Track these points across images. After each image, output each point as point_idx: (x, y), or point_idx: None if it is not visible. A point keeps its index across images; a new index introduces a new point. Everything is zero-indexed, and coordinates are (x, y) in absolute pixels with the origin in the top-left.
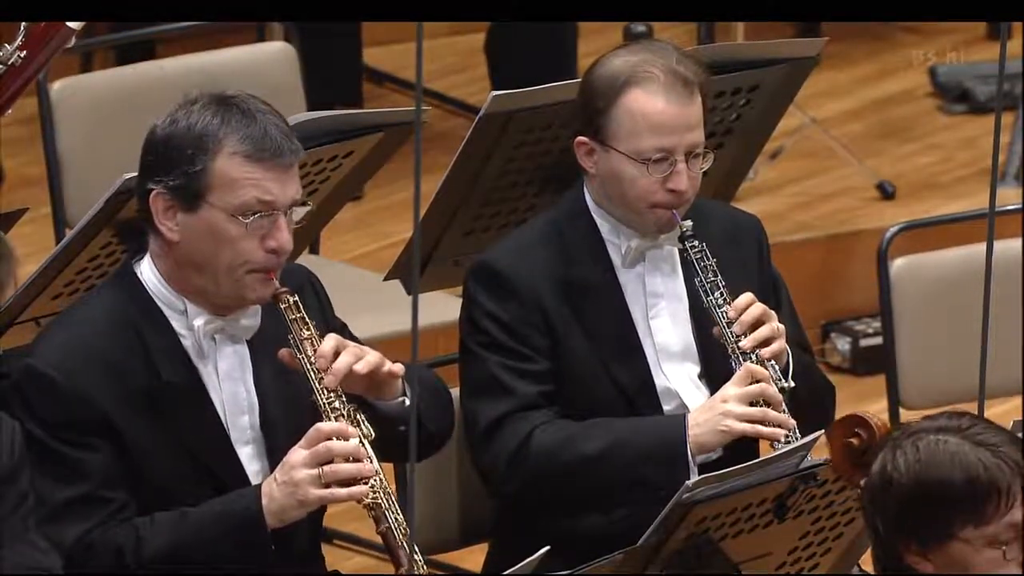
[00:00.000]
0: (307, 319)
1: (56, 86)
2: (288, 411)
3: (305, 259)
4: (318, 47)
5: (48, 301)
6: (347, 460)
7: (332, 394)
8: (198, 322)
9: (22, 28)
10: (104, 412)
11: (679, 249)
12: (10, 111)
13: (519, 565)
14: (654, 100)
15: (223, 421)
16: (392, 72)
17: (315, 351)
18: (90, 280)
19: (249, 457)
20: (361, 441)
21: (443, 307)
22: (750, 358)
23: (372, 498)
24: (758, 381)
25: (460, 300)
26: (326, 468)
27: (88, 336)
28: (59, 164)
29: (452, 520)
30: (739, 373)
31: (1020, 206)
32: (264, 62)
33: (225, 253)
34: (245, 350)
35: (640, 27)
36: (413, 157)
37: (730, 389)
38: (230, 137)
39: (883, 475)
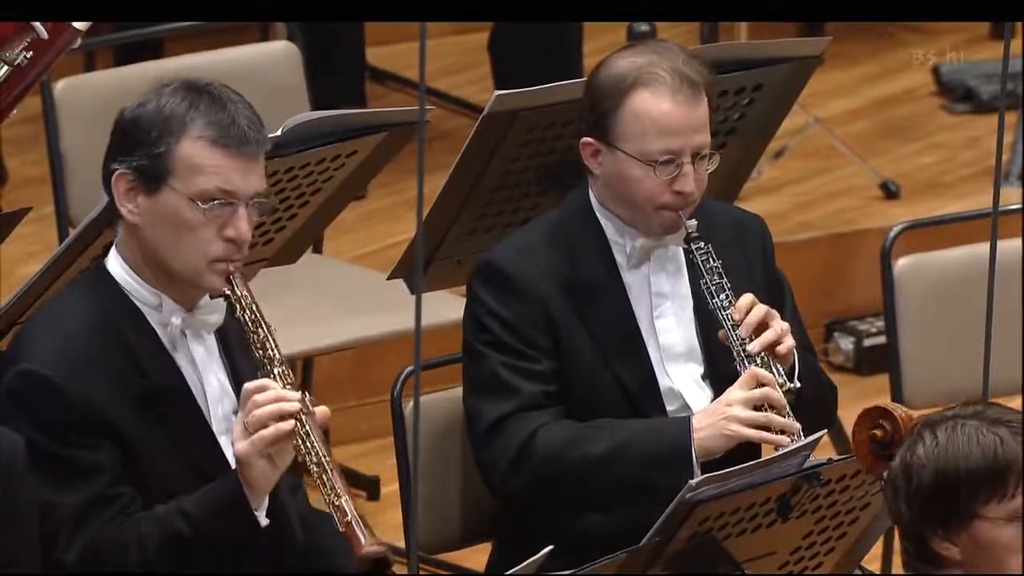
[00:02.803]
0: (259, 317)
1: (59, 86)
2: None
3: (308, 258)
4: (321, 47)
5: None
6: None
7: (278, 366)
8: (175, 320)
9: (32, 30)
10: (103, 411)
11: (684, 250)
12: (15, 112)
13: (522, 565)
14: (661, 102)
15: (204, 412)
16: (395, 71)
17: (274, 347)
18: None
19: (226, 445)
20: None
21: (446, 306)
22: (755, 361)
23: (299, 439)
24: (762, 385)
25: (463, 299)
26: (248, 417)
27: (74, 337)
28: (62, 163)
29: (454, 520)
30: (744, 377)
31: (1023, 206)
32: (267, 62)
33: (184, 240)
34: (213, 341)
35: (643, 27)
36: (416, 156)
37: (734, 393)
38: (196, 121)
39: (904, 467)
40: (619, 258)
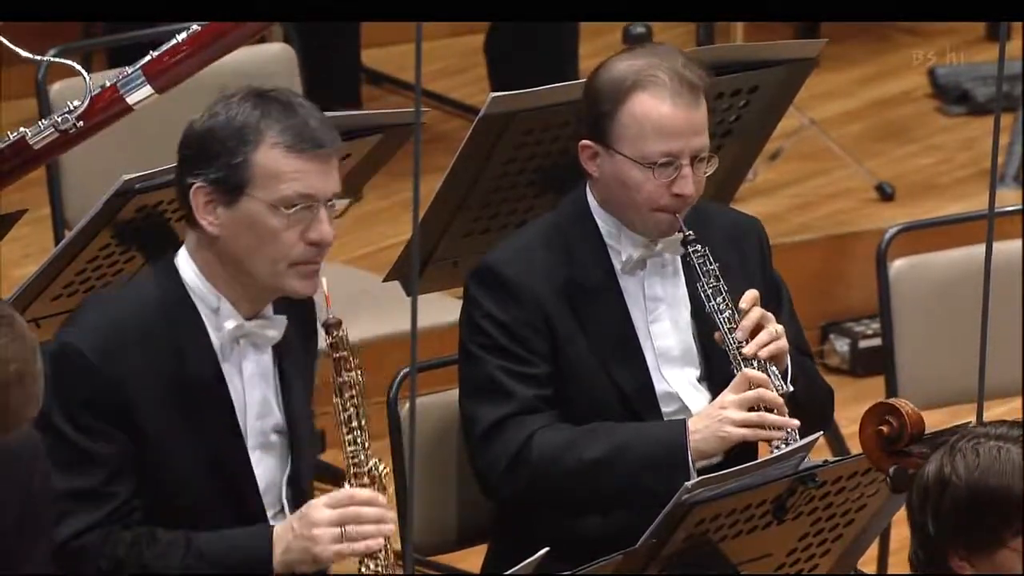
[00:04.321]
0: (352, 357)
1: (55, 87)
2: (305, 418)
3: None
4: (317, 48)
5: (47, 303)
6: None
7: (357, 449)
8: (228, 324)
9: (88, 95)
10: (129, 400)
11: (682, 253)
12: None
13: (518, 566)
14: (660, 104)
15: (241, 423)
16: (391, 73)
17: (351, 390)
18: (89, 281)
19: (257, 461)
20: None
21: (442, 309)
22: (751, 364)
23: (376, 568)
24: (755, 386)
25: (459, 302)
26: (350, 528)
27: (123, 321)
28: (58, 165)
29: (451, 521)
30: (736, 380)
31: (1019, 207)
32: (263, 63)
33: (267, 246)
34: (268, 356)
35: (639, 28)
36: (412, 158)
37: (728, 396)
38: (271, 128)
39: (940, 476)
40: (616, 261)
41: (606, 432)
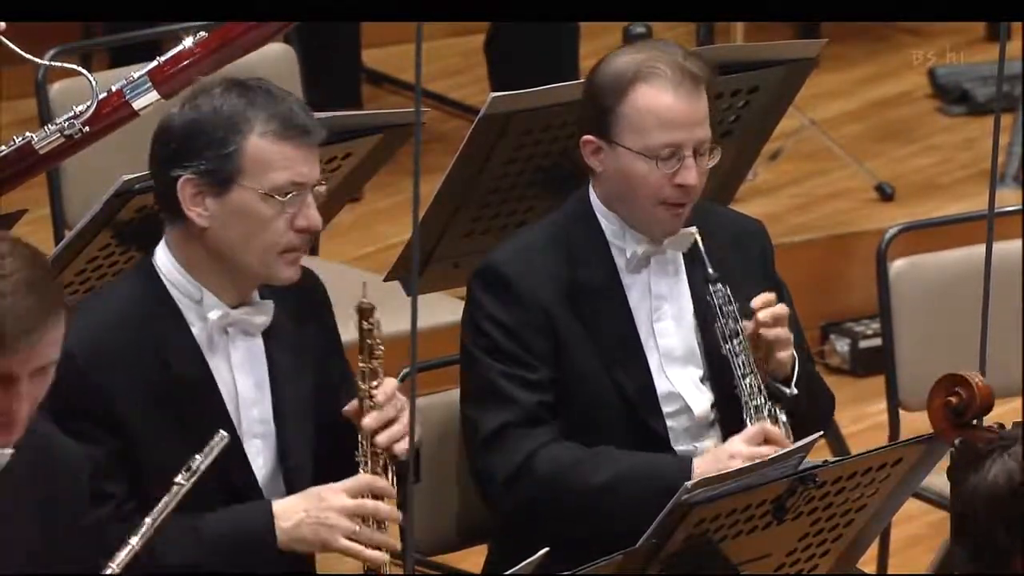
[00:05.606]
0: (376, 344)
1: (56, 87)
2: (301, 404)
3: (305, 260)
4: (317, 48)
5: None
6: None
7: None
8: (212, 315)
9: (95, 100)
10: (115, 403)
11: (705, 295)
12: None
13: (519, 566)
14: (662, 95)
15: (232, 414)
16: (391, 73)
17: (376, 378)
18: (89, 282)
19: (257, 450)
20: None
21: (442, 309)
22: (762, 413)
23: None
24: (768, 442)
25: (460, 302)
26: (364, 530)
27: (104, 323)
28: (58, 166)
29: (451, 521)
30: (751, 430)
31: (1019, 207)
32: (263, 63)
33: (257, 235)
34: (259, 342)
35: (640, 28)
36: (412, 158)
37: (739, 445)
38: (259, 117)
39: (1012, 485)
40: (619, 261)
41: (612, 459)
